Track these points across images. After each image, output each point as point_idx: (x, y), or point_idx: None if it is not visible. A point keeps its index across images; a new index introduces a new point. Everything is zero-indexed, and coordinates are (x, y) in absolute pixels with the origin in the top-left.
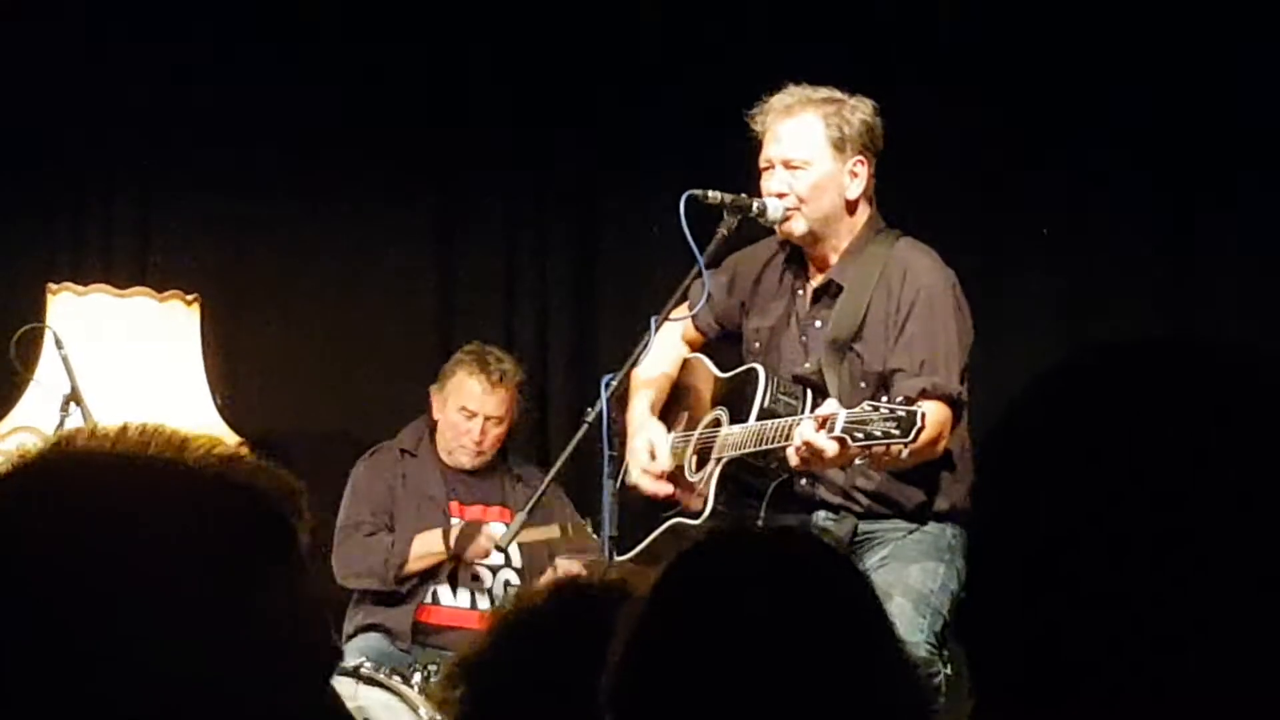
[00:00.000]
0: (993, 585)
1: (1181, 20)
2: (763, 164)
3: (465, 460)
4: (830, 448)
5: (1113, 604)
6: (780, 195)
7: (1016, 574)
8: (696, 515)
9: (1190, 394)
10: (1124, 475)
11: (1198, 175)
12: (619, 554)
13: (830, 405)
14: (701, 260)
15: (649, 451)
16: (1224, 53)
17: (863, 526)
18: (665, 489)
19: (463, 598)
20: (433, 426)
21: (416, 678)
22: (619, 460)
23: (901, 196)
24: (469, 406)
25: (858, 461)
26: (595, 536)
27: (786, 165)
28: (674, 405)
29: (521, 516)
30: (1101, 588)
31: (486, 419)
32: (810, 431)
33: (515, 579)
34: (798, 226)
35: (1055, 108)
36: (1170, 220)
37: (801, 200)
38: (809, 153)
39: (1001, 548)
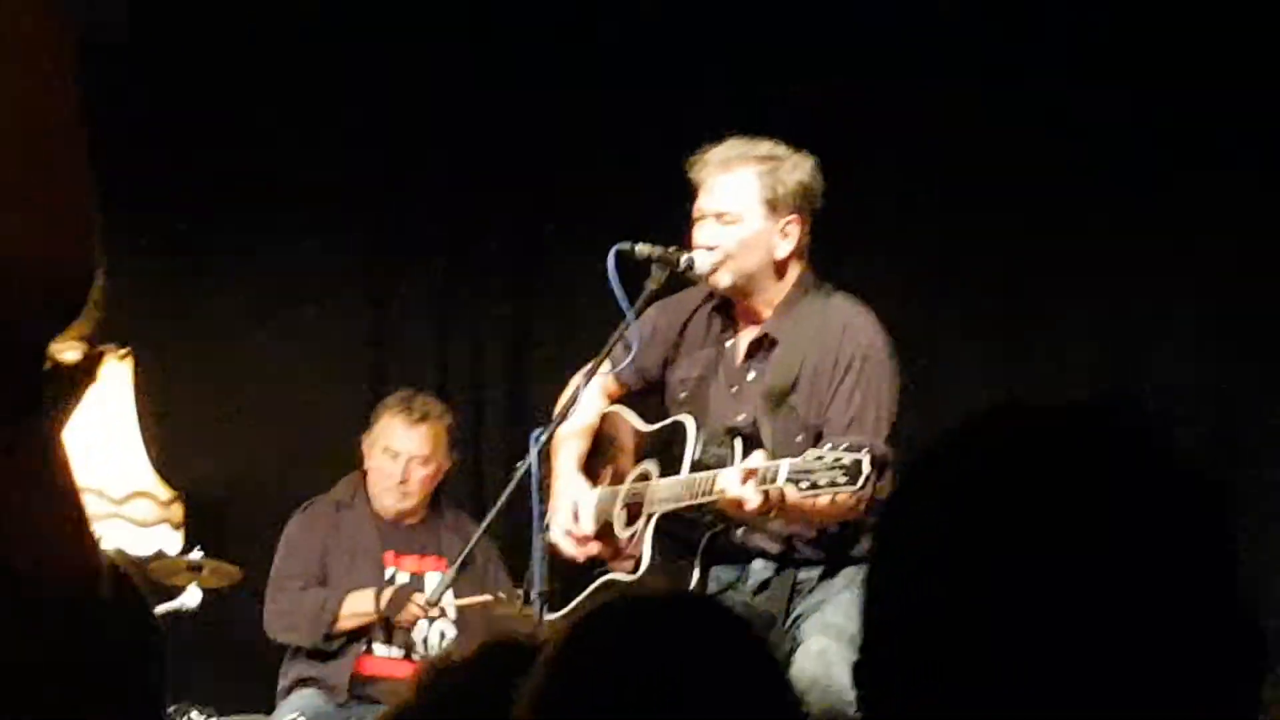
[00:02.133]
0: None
1: None
2: (695, 214)
3: (391, 503)
4: (753, 500)
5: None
6: (710, 247)
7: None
8: (631, 571)
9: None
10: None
11: None
12: (551, 610)
13: (756, 458)
14: (630, 314)
15: (572, 513)
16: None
17: (801, 574)
18: (587, 552)
19: (397, 649)
20: (366, 478)
21: None
22: (547, 515)
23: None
24: (392, 446)
25: (772, 515)
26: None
27: (718, 218)
28: (597, 459)
29: (451, 572)
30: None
31: (410, 459)
32: (734, 486)
33: (451, 630)
34: (723, 279)
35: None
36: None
37: (728, 254)
38: (740, 208)
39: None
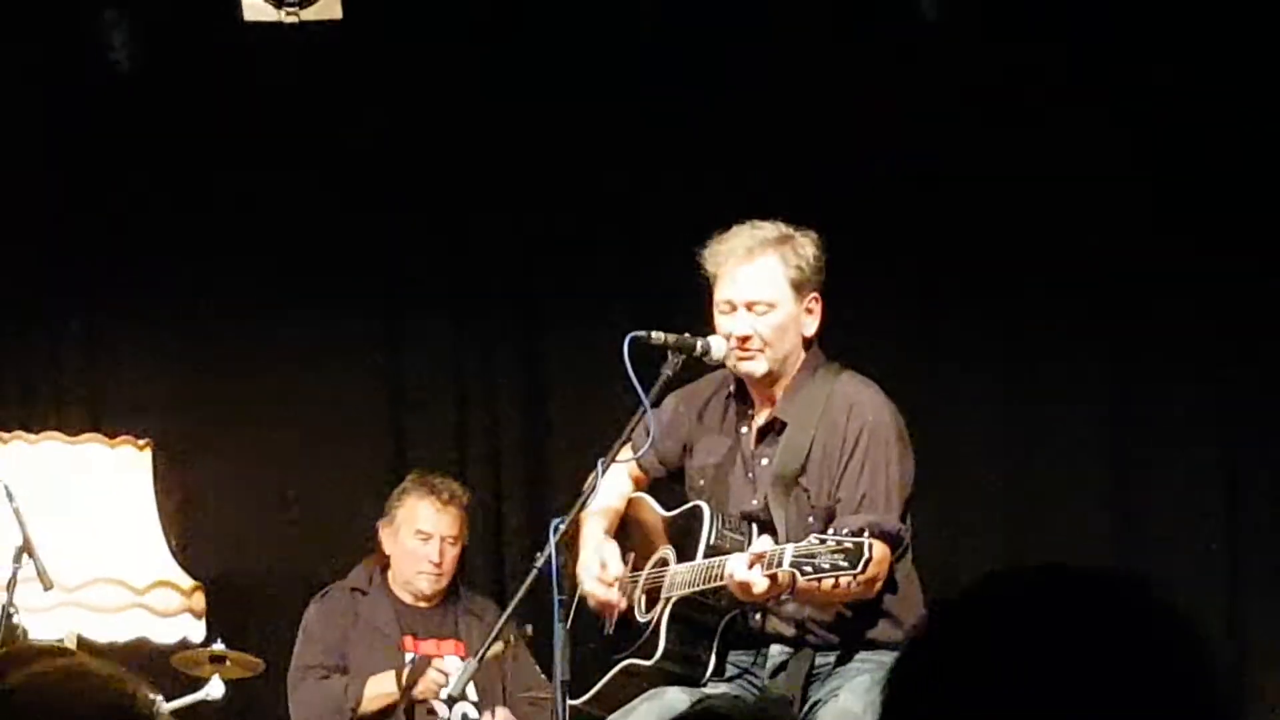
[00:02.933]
0: None
1: None
2: (722, 306)
3: (426, 586)
4: (760, 584)
5: None
6: (744, 338)
7: None
8: (649, 656)
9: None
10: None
11: None
12: (572, 699)
13: (763, 543)
14: (647, 401)
15: (600, 563)
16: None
17: (818, 659)
18: (616, 596)
19: None
20: (384, 564)
21: None
22: (568, 604)
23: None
24: (423, 529)
25: (783, 598)
26: (533, 664)
27: (749, 308)
28: (622, 544)
29: (471, 664)
30: None
31: (443, 539)
32: (740, 571)
33: (473, 712)
34: (759, 368)
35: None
36: None
37: (766, 343)
38: (773, 295)
39: None
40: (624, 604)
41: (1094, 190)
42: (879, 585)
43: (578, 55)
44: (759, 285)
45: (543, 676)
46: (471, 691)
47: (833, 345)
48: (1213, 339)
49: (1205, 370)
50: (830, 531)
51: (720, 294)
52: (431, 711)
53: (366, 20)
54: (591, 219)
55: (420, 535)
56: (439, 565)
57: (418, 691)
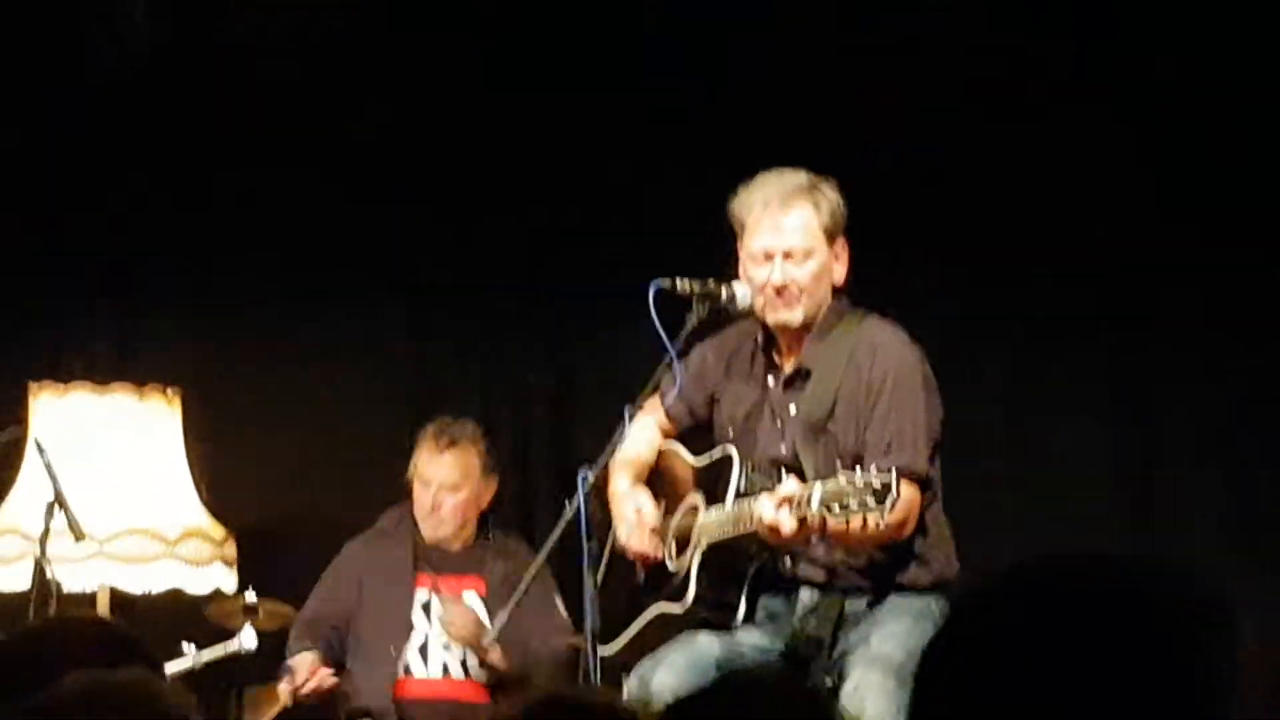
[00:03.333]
0: None
1: None
2: (757, 256)
3: (428, 532)
4: (788, 525)
5: None
6: (781, 287)
7: None
8: (679, 603)
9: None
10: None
11: None
12: (603, 645)
13: (789, 485)
14: (673, 349)
15: (635, 511)
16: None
17: (848, 603)
18: (654, 546)
19: (435, 668)
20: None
21: None
22: (598, 551)
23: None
24: (423, 475)
25: (814, 540)
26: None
27: (787, 256)
28: (652, 493)
29: (505, 612)
30: None
31: (439, 486)
32: (769, 512)
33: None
34: (796, 317)
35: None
36: None
37: (804, 291)
38: (810, 243)
39: None
40: (660, 552)
41: (1097, 183)
42: (910, 527)
43: (582, 45)
44: (797, 233)
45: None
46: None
47: None
48: (1219, 332)
49: (1212, 363)
50: (857, 471)
51: (756, 243)
52: (448, 646)
53: (373, 14)
54: (615, 159)
55: (420, 481)
56: (435, 512)
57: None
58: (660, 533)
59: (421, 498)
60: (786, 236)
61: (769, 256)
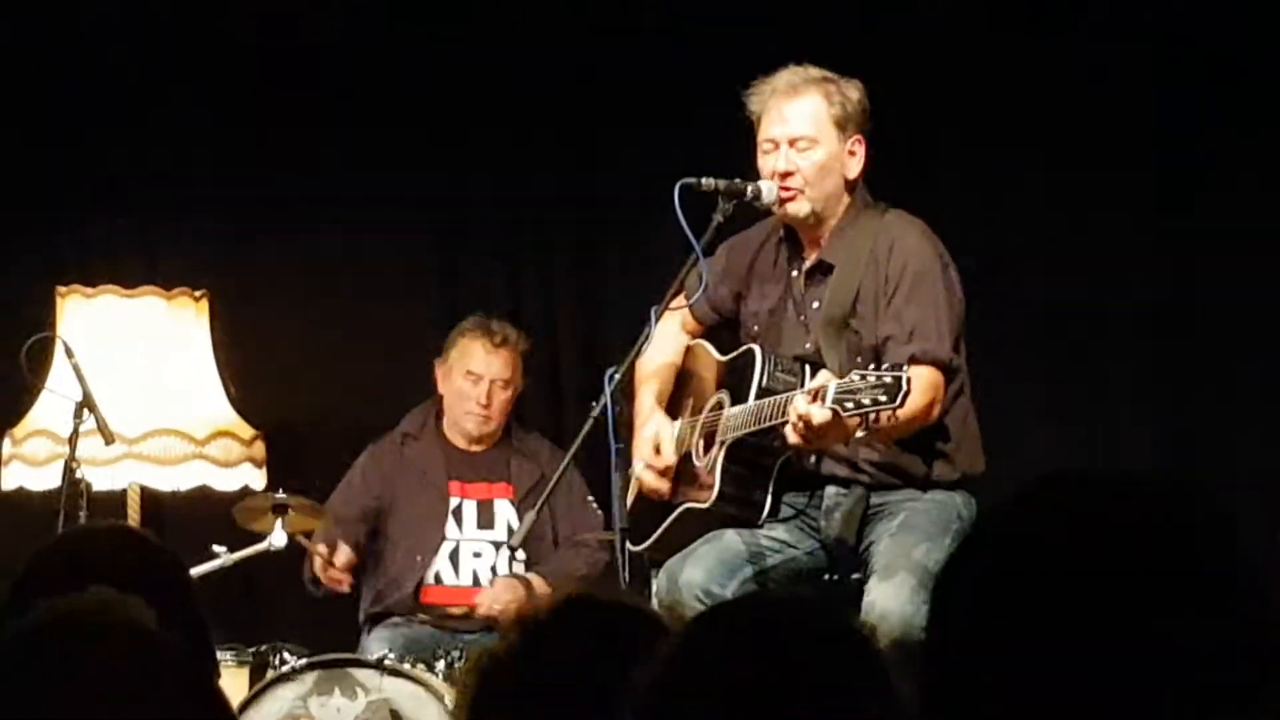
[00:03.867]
0: None
1: None
2: (765, 145)
3: (473, 428)
4: (822, 417)
5: None
6: (785, 174)
7: None
8: (705, 499)
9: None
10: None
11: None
12: (633, 544)
13: (822, 377)
14: (699, 248)
15: (654, 445)
16: None
17: (873, 499)
18: (665, 485)
19: (465, 576)
20: (439, 409)
21: (440, 665)
22: (626, 452)
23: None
24: (474, 370)
25: (858, 434)
26: (593, 509)
27: (791, 144)
28: (680, 392)
29: (530, 515)
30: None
31: (492, 382)
32: (802, 404)
33: (520, 554)
34: (801, 208)
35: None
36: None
37: (807, 181)
38: (815, 131)
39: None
40: (670, 489)
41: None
42: (937, 411)
43: None
44: (801, 121)
45: (602, 521)
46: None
47: None
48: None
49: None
50: (871, 367)
51: (763, 132)
52: (478, 554)
53: None
54: (641, 63)
55: (471, 376)
56: (487, 407)
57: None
58: (686, 430)
59: (470, 392)
60: (791, 124)
61: (776, 145)
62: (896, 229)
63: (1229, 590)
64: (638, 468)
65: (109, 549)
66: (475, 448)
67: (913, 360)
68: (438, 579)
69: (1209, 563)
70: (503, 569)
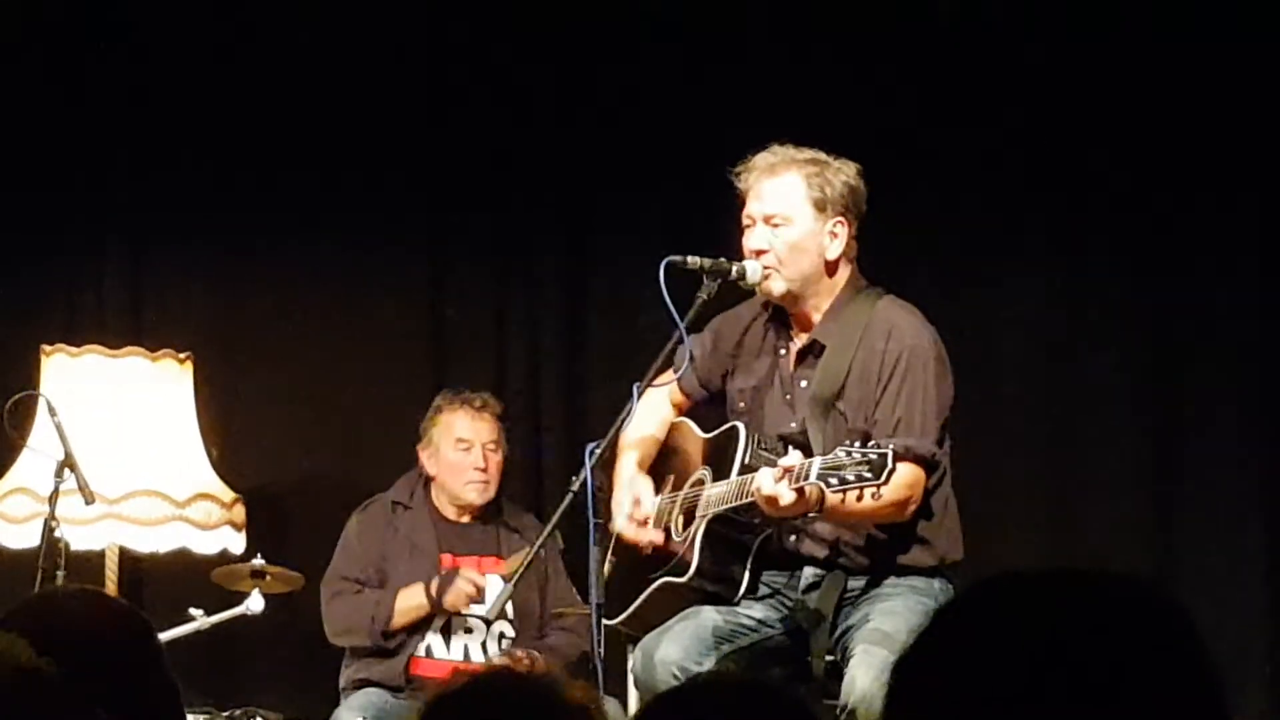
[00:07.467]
0: None
1: None
2: (745, 221)
3: (476, 496)
4: (786, 496)
5: None
6: (759, 252)
7: None
8: (683, 575)
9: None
10: None
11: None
12: (608, 619)
13: (792, 457)
14: (682, 325)
15: (633, 500)
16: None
17: (851, 582)
18: (647, 536)
19: (456, 650)
20: (426, 480)
21: None
22: (604, 528)
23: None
24: (463, 437)
25: (810, 515)
26: (569, 585)
27: (767, 221)
28: (662, 468)
29: (508, 587)
30: None
31: (484, 445)
32: (769, 482)
33: (510, 631)
34: (776, 286)
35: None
36: None
37: (779, 259)
38: (789, 210)
39: None
40: (659, 538)
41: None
42: (912, 508)
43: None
44: (775, 199)
45: (578, 597)
46: (510, 610)
47: None
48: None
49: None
50: (857, 445)
51: (745, 209)
52: (469, 629)
53: None
54: (631, 152)
55: (462, 445)
56: (484, 471)
57: (448, 602)
58: (666, 505)
59: (463, 461)
60: (766, 202)
61: (754, 221)
62: (894, 315)
63: (1186, 690)
64: (618, 521)
65: (78, 612)
66: (465, 519)
67: (895, 457)
68: (429, 652)
69: (1163, 666)
70: (492, 646)
